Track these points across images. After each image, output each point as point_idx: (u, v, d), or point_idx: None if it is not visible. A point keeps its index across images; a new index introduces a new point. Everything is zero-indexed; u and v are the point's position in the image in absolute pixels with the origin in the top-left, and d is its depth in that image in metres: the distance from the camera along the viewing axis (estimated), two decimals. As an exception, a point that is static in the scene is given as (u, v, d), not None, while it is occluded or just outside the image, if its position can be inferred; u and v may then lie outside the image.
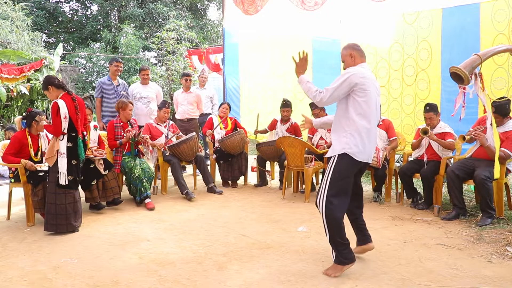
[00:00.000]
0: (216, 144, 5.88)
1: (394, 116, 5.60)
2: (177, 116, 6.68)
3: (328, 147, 4.83)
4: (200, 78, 7.28)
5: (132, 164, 4.87)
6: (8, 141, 4.38)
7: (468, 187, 5.00)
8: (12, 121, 8.09)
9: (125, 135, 4.95)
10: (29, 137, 4.26)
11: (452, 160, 4.55)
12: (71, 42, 17.11)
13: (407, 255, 3.23)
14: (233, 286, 2.75)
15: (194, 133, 5.48)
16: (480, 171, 3.94)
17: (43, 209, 3.99)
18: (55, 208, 3.79)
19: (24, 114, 4.42)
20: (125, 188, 5.23)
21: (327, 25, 6.23)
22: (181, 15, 15.75)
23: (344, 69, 2.95)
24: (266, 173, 6.00)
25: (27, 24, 9.81)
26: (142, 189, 4.78)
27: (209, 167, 5.88)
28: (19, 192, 4.85)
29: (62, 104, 3.72)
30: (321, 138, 5.43)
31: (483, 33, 4.68)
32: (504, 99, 3.96)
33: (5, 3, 9.39)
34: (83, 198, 4.36)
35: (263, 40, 7.33)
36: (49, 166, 3.88)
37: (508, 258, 3.13)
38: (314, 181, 5.68)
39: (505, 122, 4.09)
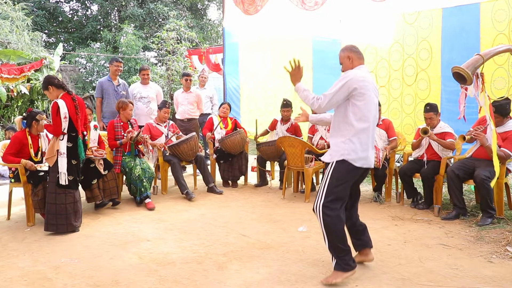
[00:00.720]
0: (216, 144, 5.88)
1: (394, 116, 5.60)
2: (177, 116, 6.68)
3: (329, 146, 4.82)
4: (200, 78, 7.29)
5: (132, 164, 4.87)
6: (8, 141, 4.38)
7: (468, 187, 5.00)
8: (12, 121, 8.09)
9: (125, 135, 4.95)
10: (29, 137, 4.26)
11: (452, 160, 4.55)
12: (71, 42, 17.11)
13: (407, 255, 3.23)
14: (233, 286, 2.75)
15: (194, 133, 5.48)
16: (480, 171, 3.94)
17: (43, 209, 3.99)
18: (55, 208, 3.79)
19: (24, 114, 4.42)
20: (125, 188, 5.23)
21: (327, 25, 6.22)
22: (181, 15, 15.75)
23: (342, 71, 2.89)
24: (266, 173, 6.00)
25: (27, 24, 9.80)
26: (142, 189, 4.78)
27: (209, 167, 5.88)
28: (19, 192, 4.86)
29: (62, 104, 3.72)
30: (321, 138, 5.43)
31: (483, 33, 4.68)
32: (504, 98, 3.96)
33: (5, 3, 9.39)
34: (83, 198, 4.37)
35: (263, 40, 7.33)
36: (49, 166, 3.88)
37: (508, 258, 3.13)
38: (314, 181, 5.67)
39: (505, 122, 4.09)
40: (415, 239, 3.60)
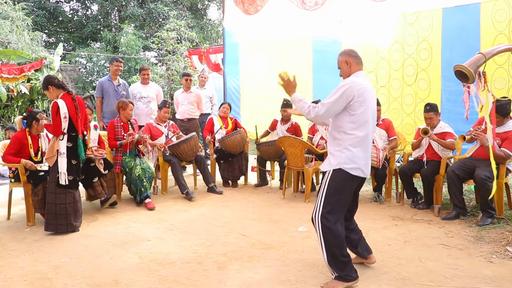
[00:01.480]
0: (217, 144, 5.88)
1: (394, 116, 5.60)
2: (178, 116, 6.68)
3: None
4: (200, 78, 7.29)
5: (132, 164, 4.87)
6: (8, 141, 4.38)
7: (468, 187, 5.00)
8: (12, 121, 8.09)
9: (125, 135, 4.95)
10: (29, 137, 4.26)
11: (452, 160, 4.55)
12: (71, 42, 17.11)
13: (407, 255, 3.23)
14: (233, 286, 2.75)
15: (194, 133, 5.48)
16: (480, 171, 3.94)
17: (43, 209, 3.99)
18: (55, 208, 3.79)
19: (24, 114, 4.42)
20: (125, 188, 5.23)
21: (327, 25, 6.22)
22: (181, 15, 15.75)
23: (340, 75, 2.84)
24: (267, 173, 6.00)
25: (27, 24, 9.80)
26: (142, 189, 4.78)
27: (209, 167, 5.88)
28: (19, 192, 4.85)
29: (62, 104, 3.72)
30: (322, 138, 5.43)
31: (483, 33, 4.68)
32: (505, 98, 3.96)
33: (5, 2, 9.39)
34: (83, 198, 4.37)
35: (263, 40, 7.32)
36: (49, 166, 3.88)
37: (508, 258, 3.13)
38: (314, 181, 5.67)
39: (505, 122, 4.08)
40: (415, 239, 3.60)
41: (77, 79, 14.42)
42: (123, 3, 16.15)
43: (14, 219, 4.36)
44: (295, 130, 5.83)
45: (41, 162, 4.29)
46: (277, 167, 6.22)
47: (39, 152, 4.34)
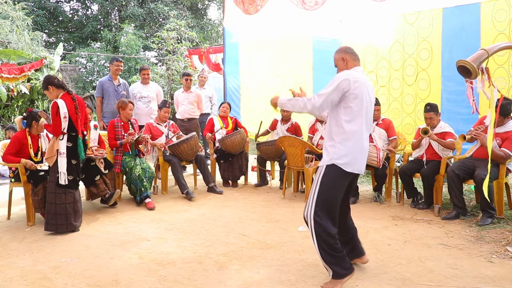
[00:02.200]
0: (217, 144, 5.88)
1: (395, 115, 5.60)
2: (178, 116, 6.68)
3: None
4: (200, 78, 7.29)
5: (132, 164, 4.87)
6: (8, 141, 4.38)
7: (469, 187, 5.00)
8: (12, 120, 8.09)
9: (125, 135, 4.96)
10: (29, 137, 4.26)
11: (452, 160, 4.54)
12: (71, 42, 17.11)
13: (407, 255, 3.23)
14: (233, 286, 2.75)
15: (194, 133, 5.48)
16: (480, 171, 3.94)
17: (44, 209, 3.99)
18: (55, 208, 3.79)
19: (24, 114, 4.42)
20: (125, 188, 5.23)
21: (327, 25, 6.22)
22: (181, 15, 15.75)
23: (338, 73, 2.81)
24: (267, 173, 6.00)
25: (27, 23, 9.79)
26: (143, 189, 4.78)
27: (209, 167, 5.88)
28: (19, 192, 4.86)
29: (61, 104, 3.72)
30: (322, 137, 5.42)
31: (483, 33, 4.68)
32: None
33: (6, 2, 9.38)
34: (83, 198, 4.37)
35: (263, 40, 7.33)
36: (49, 166, 3.88)
37: (508, 258, 3.13)
38: (315, 181, 5.67)
39: (506, 122, 4.08)
40: (415, 239, 3.60)
41: (77, 79, 14.43)
42: (123, 3, 16.16)
43: (14, 219, 4.36)
44: (295, 130, 5.83)
45: (41, 162, 4.29)
46: (277, 167, 6.22)
47: (39, 152, 4.34)
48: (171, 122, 5.76)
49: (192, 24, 16.48)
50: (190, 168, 6.61)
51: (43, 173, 4.12)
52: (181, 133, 5.75)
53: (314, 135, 5.54)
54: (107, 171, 4.54)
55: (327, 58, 6.31)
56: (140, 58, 14.48)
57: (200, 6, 18.86)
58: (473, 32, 4.76)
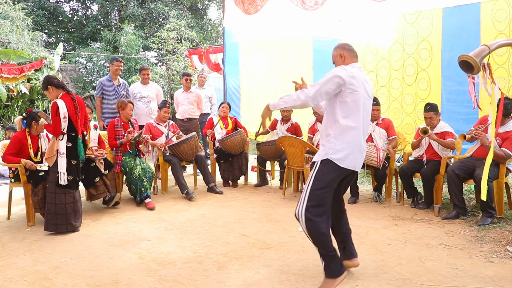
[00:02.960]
0: (217, 144, 5.88)
1: (395, 115, 5.60)
2: (178, 116, 6.68)
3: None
4: (199, 78, 7.29)
5: (132, 164, 4.87)
6: (8, 141, 4.38)
7: (469, 187, 5.00)
8: (12, 121, 8.09)
9: (125, 134, 4.96)
10: (29, 137, 4.26)
11: (452, 160, 4.54)
12: (71, 42, 17.11)
13: (407, 255, 3.23)
14: (233, 286, 2.75)
15: (194, 133, 5.48)
16: (480, 170, 3.91)
17: (43, 209, 3.99)
18: (55, 208, 3.79)
19: (24, 114, 4.42)
20: (125, 188, 5.23)
21: (327, 25, 6.22)
22: (181, 15, 15.75)
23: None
24: (267, 173, 6.00)
25: (27, 23, 9.79)
26: (143, 189, 4.78)
27: (209, 167, 5.88)
28: (19, 192, 4.86)
29: (61, 104, 3.72)
30: (322, 137, 5.43)
31: (483, 33, 4.67)
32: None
33: (5, 2, 9.38)
34: (83, 198, 4.37)
35: (263, 40, 7.33)
36: (49, 166, 3.88)
37: (508, 257, 3.13)
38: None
39: (506, 122, 4.08)
40: (415, 239, 3.60)
41: (77, 79, 14.43)
42: (123, 3, 16.15)
43: (14, 219, 4.36)
44: (295, 130, 5.83)
45: (41, 162, 4.29)
46: (277, 167, 6.22)
47: (39, 152, 4.34)
48: (171, 122, 5.76)
49: (192, 24, 16.48)
50: (190, 168, 6.61)
51: (43, 173, 4.12)
52: (181, 133, 5.75)
53: (314, 135, 5.54)
54: (107, 172, 4.54)
55: (327, 58, 6.28)
56: (140, 58, 14.48)
57: (200, 6, 18.86)
58: (473, 32, 4.76)
